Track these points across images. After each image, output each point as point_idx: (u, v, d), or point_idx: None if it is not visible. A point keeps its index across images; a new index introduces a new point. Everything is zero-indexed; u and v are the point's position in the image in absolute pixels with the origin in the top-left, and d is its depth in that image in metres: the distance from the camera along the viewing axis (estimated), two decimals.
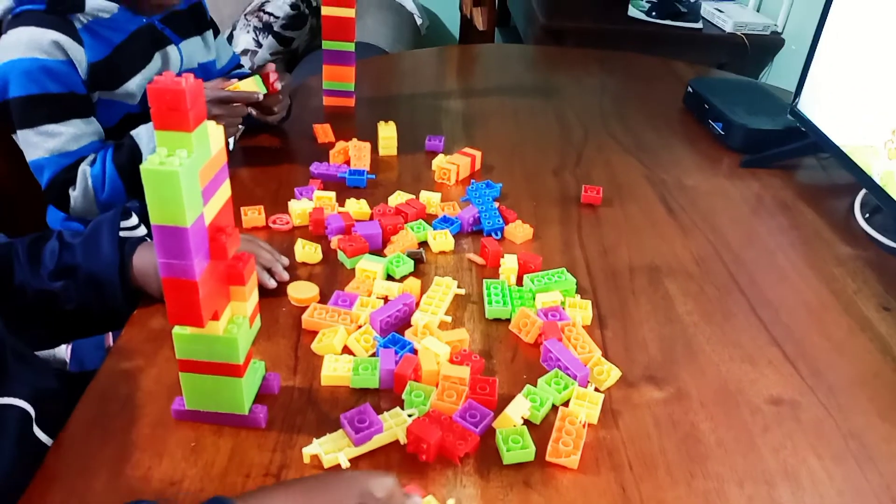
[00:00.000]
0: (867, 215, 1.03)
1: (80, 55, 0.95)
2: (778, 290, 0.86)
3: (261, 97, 0.98)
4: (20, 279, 0.71)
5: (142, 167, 0.47)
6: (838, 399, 0.70)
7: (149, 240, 0.75)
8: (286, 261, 0.82)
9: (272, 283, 0.78)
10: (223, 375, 0.58)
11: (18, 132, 0.95)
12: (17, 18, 0.94)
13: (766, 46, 1.99)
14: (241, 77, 1.02)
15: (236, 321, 0.57)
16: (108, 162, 0.95)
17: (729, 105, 1.25)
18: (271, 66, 1.01)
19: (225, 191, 0.55)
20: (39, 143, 0.94)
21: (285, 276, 0.79)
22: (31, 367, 0.68)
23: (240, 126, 1.03)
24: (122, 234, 0.74)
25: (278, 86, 1.01)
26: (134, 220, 0.79)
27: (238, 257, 0.56)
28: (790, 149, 1.17)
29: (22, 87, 0.92)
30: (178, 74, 0.48)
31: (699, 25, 2.01)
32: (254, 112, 1.04)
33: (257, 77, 0.99)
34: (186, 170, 0.47)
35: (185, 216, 0.48)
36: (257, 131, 1.12)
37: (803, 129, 1.14)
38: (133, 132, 0.96)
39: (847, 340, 0.79)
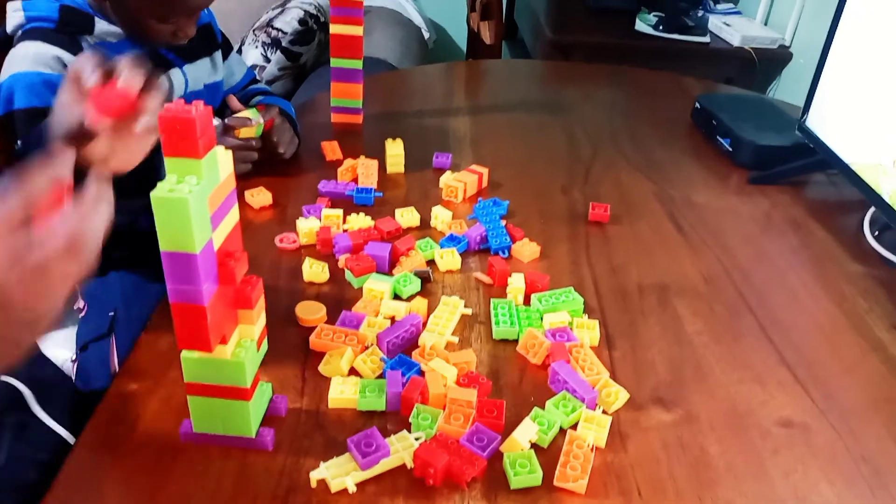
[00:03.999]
0: (876, 233, 1.02)
1: None
2: (788, 310, 0.86)
3: (253, 123, 0.99)
4: None
5: (152, 195, 0.47)
6: (850, 422, 0.70)
7: None
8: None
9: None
10: (231, 399, 0.58)
11: (21, 143, 0.96)
12: (26, 34, 0.96)
13: (774, 60, 1.99)
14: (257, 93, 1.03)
15: (244, 345, 0.57)
16: None
17: (737, 121, 1.25)
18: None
19: (233, 216, 0.55)
20: None
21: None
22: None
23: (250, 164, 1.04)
24: None
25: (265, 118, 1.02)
26: None
27: (246, 281, 0.56)
28: (799, 165, 1.16)
29: (25, 99, 0.94)
30: (184, 96, 0.48)
31: (707, 39, 2.01)
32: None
33: (254, 109, 1.01)
34: (196, 197, 0.48)
35: (194, 243, 0.49)
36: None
37: (811, 145, 1.14)
38: None
39: (859, 362, 0.78)
